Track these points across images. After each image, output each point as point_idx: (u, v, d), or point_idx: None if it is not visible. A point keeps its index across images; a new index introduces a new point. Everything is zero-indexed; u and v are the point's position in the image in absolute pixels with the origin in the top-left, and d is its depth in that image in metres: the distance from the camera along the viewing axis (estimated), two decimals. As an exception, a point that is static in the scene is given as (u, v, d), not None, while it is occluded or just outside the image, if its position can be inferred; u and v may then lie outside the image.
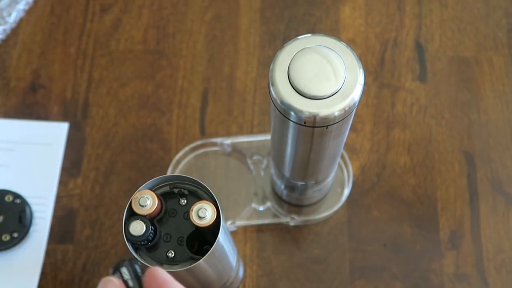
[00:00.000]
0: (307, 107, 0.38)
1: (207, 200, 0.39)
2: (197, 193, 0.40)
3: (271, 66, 0.39)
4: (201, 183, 0.39)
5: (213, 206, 0.38)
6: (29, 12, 0.68)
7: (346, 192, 0.60)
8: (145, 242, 0.38)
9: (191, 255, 0.39)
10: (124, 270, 0.36)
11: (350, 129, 0.44)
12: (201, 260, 0.38)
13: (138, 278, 0.36)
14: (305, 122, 0.39)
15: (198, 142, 0.62)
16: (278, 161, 0.51)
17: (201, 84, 0.65)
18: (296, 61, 0.38)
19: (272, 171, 0.57)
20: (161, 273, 0.34)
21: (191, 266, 0.38)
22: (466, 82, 0.65)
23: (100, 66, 0.66)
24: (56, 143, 0.63)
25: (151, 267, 0.35)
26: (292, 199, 0.60)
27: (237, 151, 0.63)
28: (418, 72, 0.65)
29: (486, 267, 0.59)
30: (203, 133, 0.64)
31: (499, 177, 0.61)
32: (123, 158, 0.63)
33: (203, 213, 0.37)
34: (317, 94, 0.38)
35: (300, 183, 0.53)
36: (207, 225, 0.37)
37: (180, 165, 0.62)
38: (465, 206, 0.61)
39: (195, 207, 0.38)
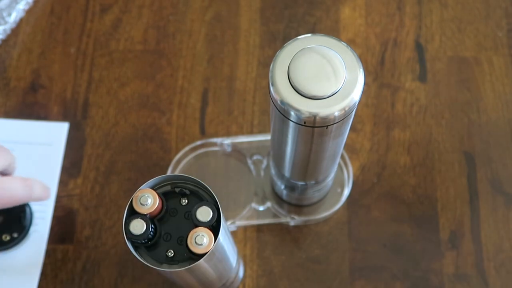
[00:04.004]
0: (307, 107, 0.38)
1: (208, 200, 0.40)
2: (199, 193, 0.40)
3: (271, 66, 0.39)
4: (202, 183, 0.39)
5: (211, 231, 0.38)
6: (29, 12, 0.68)
7: (346, 192, 0.60)
8: (145, 241, 0.38)
9: (190, 255, 0.39)
10: None
11: (350, 129, 0.44)
12: (200, 260, 0.38)
13: None
14: (305, 122, 0.39)
15: (198, 142, 0.62)
16: (278, 161, 0.51)
17: (201, 84, 0.66)
18: (296, 61, 0.38)
19: (272, 171, 0.57)
20: None
21: (191, 266, 0.38)
22: (466, 82, 0.65)
23: (100, 66, 0.66)
24: (57, 143, 0.63)
25: None
26: (292, 199, 0.60)
27: (237, 151, 0.63)
28: (418, 72, 0.65)
29: (486, 267, 0.59)
30: (203, 133, 0.64)
31: (499, 177, 0.61)
32: (123, 158, 0.63)
33: (200, 240, 0.38)
34: (317, 94, 0.38)
35: (300, 183, 0.53)
36: (204, 251, 0.38)
37: (180, 165, 0.62)
38: (465, 206, 0.61)
39: (193, 234, 0.38)
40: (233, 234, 0.60)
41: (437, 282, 0.58)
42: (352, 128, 0.63)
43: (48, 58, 0.67)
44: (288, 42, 0.39)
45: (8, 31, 0.67)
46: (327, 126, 0.39)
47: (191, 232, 0.38)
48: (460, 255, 0.59)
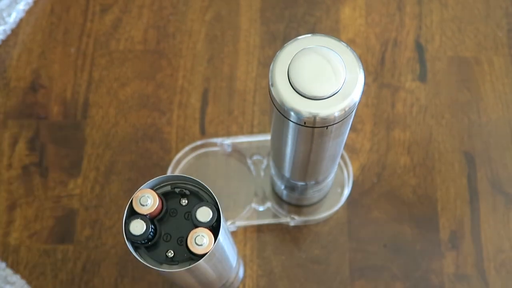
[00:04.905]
0: (307, 108, 0.38)
1: (208, 200, 0.40)
2: (199, 193, 0.40)
3: (271, 66, 0.39)
4: (202, 184, 0.39)
5: (211, 232, 0.38)
6: (29, 12, 0.68)
7: (346, 192, 0.60)
8: (145, 241, 0.38)
9: (190, 255, 0.39)
10: None
11: (350, 129, 0.44)
12: (200, 261, 0.38)
13: None
14: (305, 123, 0.39)
15: (198, 142, 0.62)
16: (278, 161, 0.51)
17: (201, 84, 0.66)
18: (296, 61, 0.38)
19: (272, 171, 0.57)
20: None
21: (191, 266, 0.38)
22: (466, 82, 0.65)
23: (100, 66, 0.66)
24: None
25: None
26: (292, 199, 0.60)
27: (237, 151, 0.63)
28: (418, 72, 0.65)
29: (486, 267, 0.59)
30: (203, 133, 0.64)
31: (499, 177, 0.61)
32: (123, 158, 0.63)
33: (200, 241, 0.37)
34: (317, 94, 0.38)
35: (300, 183, 0.53)
36: (204, 252, 0.38)
37: (180, 165, 0.62)
38: (465, 206, 0.61)
39: (193, 234, 0.38)
40: (233, 234, 0.60)
41: (437, 282, 0.58)
42: (352, 128, 0.63)
43: (48, 58, 0.67)
44: (288, 42, 0.39)
45: (8, 32, 0.67)
46: (327, 127, 0.39)
47: (191, 233, 0.38)
48: (460, 255, 0.59)
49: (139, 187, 0.39)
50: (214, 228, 0.38)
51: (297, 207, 0.61)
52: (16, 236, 0.61)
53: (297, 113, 0.38)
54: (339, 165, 0.61)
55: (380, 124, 0.64)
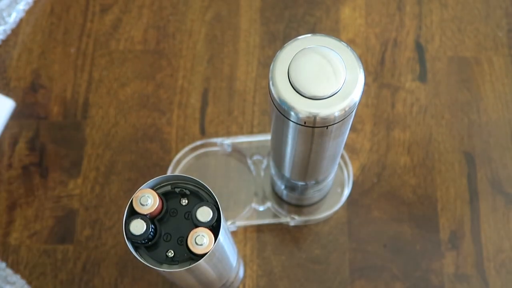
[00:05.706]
0: (307, 108, 0.38)
1: (208, 200, 0.40)
2: (199, 193, 0.40)
3: (271, 66, 0.39)
4: (202, 184, 0.39)
5: (211, 231, 0.38)
6: (29, 12, 0.68)
7: (346, 192, 0.60)
8: (145, 241, 0.38)
9: (190, 255, 0.39)
10: None
11: (350, 129, 0.44)
12: (201, 261, 0.38)
13: None
14: (305, 122, 0.39)
15: (198, 142, 0.62)
16: (278, 161, 0.51)
17: (201, 84, 0.66)
18: (296, 61, 0.38)
19: (272, 171, 0.57)
20: None
21: (191, 266, 0.38)
22: (466, 82, 0.65)
23: (100, 66, 0.66)
24: None
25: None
26: (292, 199, 0.60)
27: (237, 151, 0.63)
28: (418, 72, 0.65)
29: (486, 267, 0.59)
30: (203, 133, 0.64)
31: (499, 177, 0.61)
32: (123, 158, 0.63)
33: (200, 240, 0.37)
34: (317, 94, 0.38)
35: (300, 183, 0.53)
36: (204, 252, 0.38)
37: (180, 165, 0.62)
38: (465, 206, 0.61)
39: (193, 234, 0.38)
40: (233, 234, 0.60)
41: (437, 282, 0.58)
42: (352, 128, 0.63)
43: (48, 58, 0.67)
44: (288, 42, 0.39)
45: (8, 32, 0.67)
46: (327, 127, 0.39)
47: (191, 232, 0.38)
48: (460, 255, 0.59)
49: (139, 187, 0.39)
50: (214, 228, 0.38)
51: (297, 207, 0.61)
52: (16, 236, 0.61)
53: (297, 113, 0.38)
54: (339, 165, 0.61)
55: (380, 124, 0.64)
